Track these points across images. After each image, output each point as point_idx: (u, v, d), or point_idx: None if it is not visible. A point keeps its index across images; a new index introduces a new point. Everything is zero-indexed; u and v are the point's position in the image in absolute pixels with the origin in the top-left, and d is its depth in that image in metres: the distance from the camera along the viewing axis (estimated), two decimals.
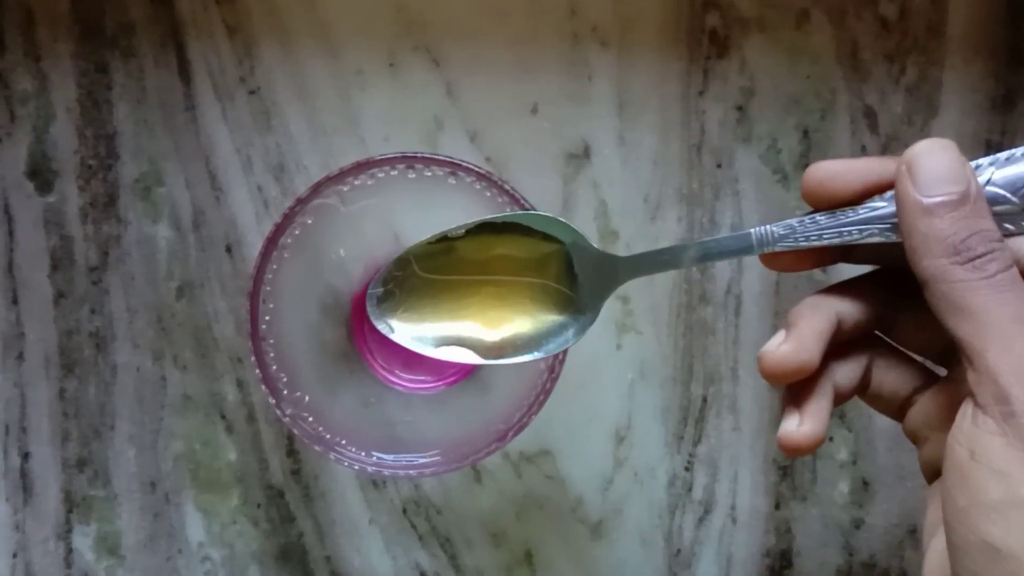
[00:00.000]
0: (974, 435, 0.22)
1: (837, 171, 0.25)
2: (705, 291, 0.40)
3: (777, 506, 0.41)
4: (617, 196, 0.40)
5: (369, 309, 0.30)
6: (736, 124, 0.40)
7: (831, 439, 0.41)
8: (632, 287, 0.40)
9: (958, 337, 0.22)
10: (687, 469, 0.41)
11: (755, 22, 0.40)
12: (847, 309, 0.26)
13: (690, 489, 0.41)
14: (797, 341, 0.25)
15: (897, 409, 0.27)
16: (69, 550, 0.40)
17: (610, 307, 0.40)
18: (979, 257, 0.22)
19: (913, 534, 0.41)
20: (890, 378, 0.27)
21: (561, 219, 0.28)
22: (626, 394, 0.41)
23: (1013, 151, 0.24)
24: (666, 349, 0.40)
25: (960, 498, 0.22)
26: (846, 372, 0.27)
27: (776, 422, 0.40)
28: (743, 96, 0.40)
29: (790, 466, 0.41)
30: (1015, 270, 0.23)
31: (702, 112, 0.40)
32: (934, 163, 0.23)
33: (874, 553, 0.41)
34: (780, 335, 0.25)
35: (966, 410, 0.22)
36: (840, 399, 0.27)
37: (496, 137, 0.40)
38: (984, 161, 0.24)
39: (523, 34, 0.40)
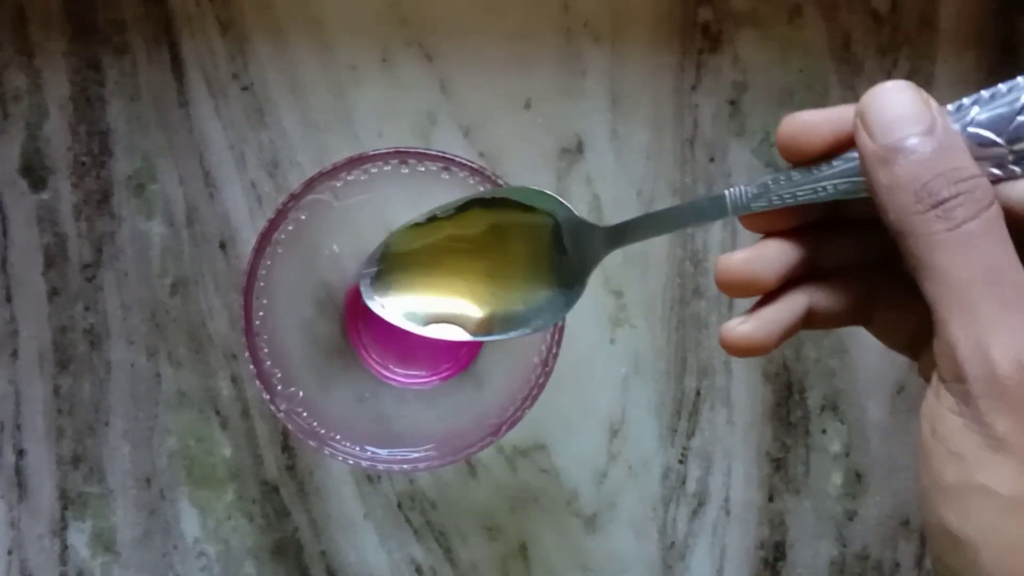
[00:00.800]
0: (936, 411, 0.20)
1: (810, 122, 0.23)
2: (698, 285, 0.41)
3: (770, 498, 0.41)
4: (610, 190, 0.40)
5: (361, 287, 0.30)
6: (729, 118, 0.40)
7: (824, 431, 0.41)
8: (625, 281, 0.40)
9: (928, 300, 0.20)
10: (681, 462, 0.41)
11: (748, 16, 0.40)
12: (833, 256, 0.24)
13: (684, 482, 0.41)
14: (762, 325, 0.24)
15: (907, 346, 0.25)
16: (64, 547, 0.40)
17: (603, 301, 0.40)
18: (943, 203, 0.20)
19: (906, 525, 0.41)
20: (896, 309, 0.24)
21: (548, 191, 0.28)
22: (620, 388, 0.41)
23: (997, 87, 0.21)
24: (659, 343, 0.41)
25: (923, 477, 0.21)
26: (829, 297, 0.24)
27: (769, 416, 0.41)
28: (736, 90, 0.40)
29: (783, 459, 0.41)
30: (992, 215, 0.20)
31: (695, 106, 0.40)
32: (888, 105, 0.21)
33: (867, 545, 0.41)
34: (742, 318, 0.24)
35: (933, 381, 0.21)
36: (821, 324, 0.25)
37: (489, 132, 0.40)
38: (966, 100, 0.22)
39: (516, 29, 0.40)
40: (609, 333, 0.41)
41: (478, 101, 0.40)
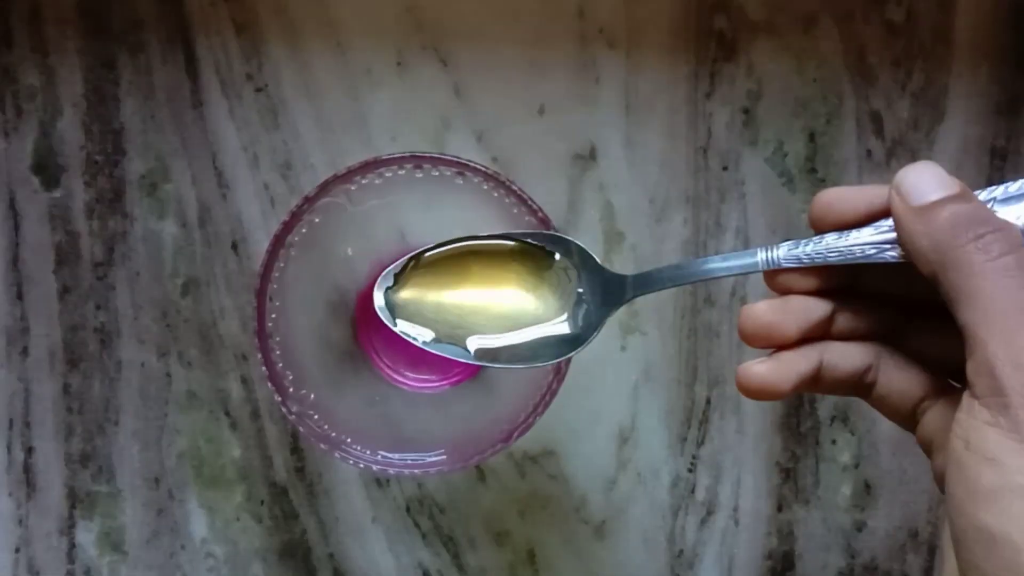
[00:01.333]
0: (969, 425, 0.21)
1: (845, 196, 0.25)
2: (710, 293, 0.41)
3: (779, 508, 0.41)
4: (623, 198, 0.40)
5: (376, 297, 0.30)
6: (743, 127, 0.40)
7: (834, 442, 0.41)
8: None
9: (962, 325, 0.22)
10: (690, 471, 0.41)
11: (763, 25, 0.40)
12: (847, 323, 0.26)
13: (693, 491, 0.41)
14: (778, 368, 0.25)
15: (907, 416, 0.26)
16: (72, 545, 0.40)
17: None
18: (982, 237, 0.22)
19: (915, 537, 0.41)
20: (899, 380, 0.26)
21: (574, 239, 0.29)
22: (630, 395, 0.41)
23: (1008, 185, 0.24)
24: (670, 351, 0.41)
25: (957, 489, 0.21)
26: (843, 355, 0.26)
27: (779, 426, 0.41)
28: (750, 99, 0.40)
29: (793, 469, 0.41)
30: (1023, 254, 0.22)
31: (709, 115, 0.40)
32: (920, 175, 0.23)
33: (876, 556, 0.41)
34: (761, 360, 0.25)
35: (963, 402, 0.22)
36: (829, 384, 0.26)
37: (503, 138, 0.40)
38: (981, 195, 0.24)
39: (531, 35, 0.40)
40: (620, 340, 0.41)
41: (492, 106, 0.40)
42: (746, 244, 0.41)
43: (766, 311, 0.25)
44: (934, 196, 0.23)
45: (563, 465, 0.41)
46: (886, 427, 0.41)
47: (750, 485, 0.41)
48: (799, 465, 0.41)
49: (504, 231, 0.30)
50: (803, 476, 0.41)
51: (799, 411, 0.41)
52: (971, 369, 0.22)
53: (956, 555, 0.22)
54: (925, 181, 0.23)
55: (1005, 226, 0.22)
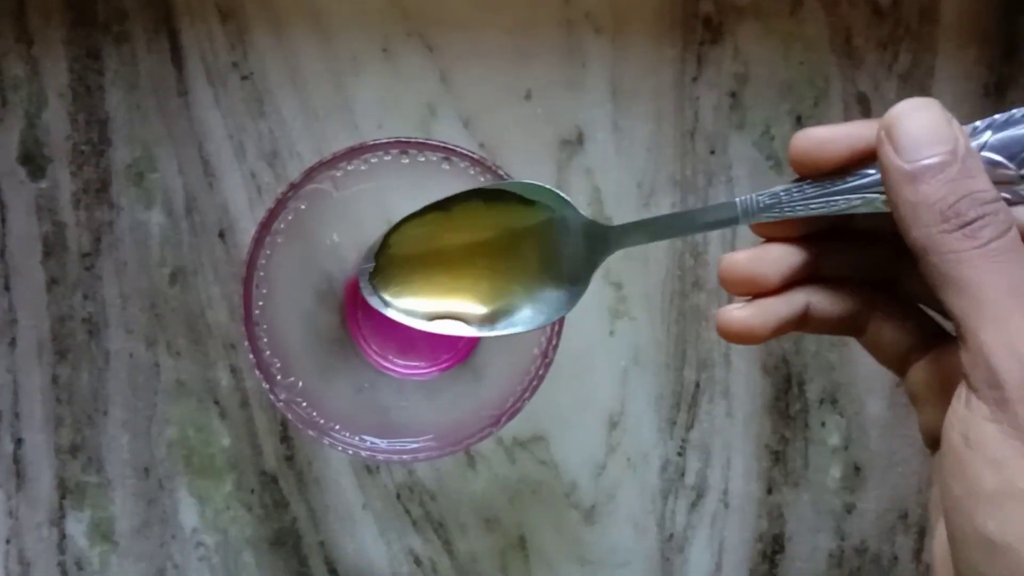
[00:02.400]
0: (968, 420, 0.20)
1: (824, 138, 0.24)
2: (698, 277, 0.40)
3: (769, 491, 0.41)
4: (611, 182, 0.40)
5: (361, 284, 0.30)
6: (729, 110, 0.40)
7: (823, 424, 0.41)
8: (625, 273, 0.40)
9: (952, 313, 0.21)
10: (680, 454, 0.41)
11: (749, 9, 0.40)
12: (836, 266, 0.25)
13: (683, 474, 0.41)
14: (758, 314, 0.24)
15: (896, 362, 0.26)
16: (62, 536, 0.40)
17: (603, 293, 0.40)
18: (970, 223, 0.21)
19: (904, 519, 0.41)
20: (888, 328, 0.25)
21: (551, 187, 0.28)
22: (619, 380, 0.41)
23: (1012, 112, 0.22)
24: (659, 335, 0.41)
25: (955, 486, 0.21)
26: (831, 301, 0.25)
27: (769, 409, 0.41)
28: (736, 82, 0.40)
29: (782, 451, 0.41)
30: (1013, 235, 0.21)
31: (696, 98, 0.40)
32: (916, 124, 0.21)
33: (865, 538, 0.41)
34: (740, 303, 0.25)
35: (960, 392, 0.21)
36: (817, 326, 0.25)
37: (490, 123, 0.40)
38: (980, 124, 0.22)
39: (517, 20, 0.40)
40: (609, 325, 0.41)
41: (478, 92, 0.40)
42: (733, 229, 0.41)
43: (745, 261, 0.25)
44: (926, 156, 0.21)
45: (553, 450, 0.41)
46: (875, 409, 0.41)
47: (740, 468, 0.41)
48: (788, 448, 0.41)
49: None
50: (792, 459, 0.41)
51: (788, 394, 0.41)
52: (966, 360, 0.21)
53: (953, 555, 0.21)
54: (919, 131, 0.21)
55: (996, 206, 0.21)
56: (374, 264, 0.30)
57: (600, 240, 0.27)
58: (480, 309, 0.29)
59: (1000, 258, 0.20)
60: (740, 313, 0.25)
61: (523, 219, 0.28)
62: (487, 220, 0.28)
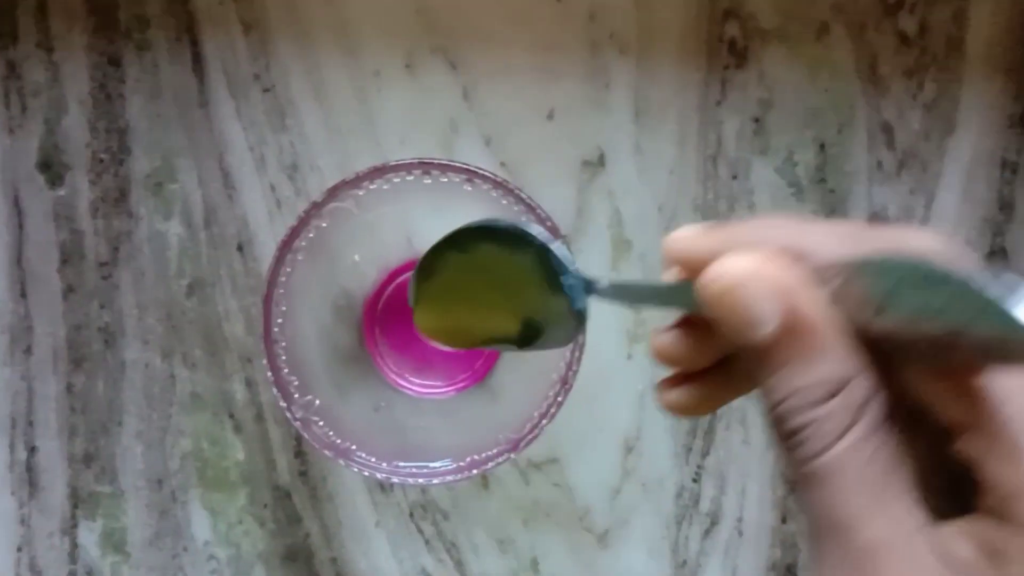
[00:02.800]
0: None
1: (688, 247, 0.20)
2: None
3: (784, 520, 0.41)
4: (632, 205, 0.40)
5: (416, 320, 0.29)
6: (753, 136, 0.40)
7: None
8: None
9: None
10: (695, 481, 0.41)
11: (775, 33, 0.40)
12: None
13: (697, 501, 0.41)
14: (693, 395, 0.22)
15: None
16: (74, 545, 0.40)
17: (621, 316, 0.40)
18: (794, 435, 0.17)
19: None
20: None
21: (532, 230, 0.26)
22: (636, 405, 0.40)
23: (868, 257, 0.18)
24: None
25: None
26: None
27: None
28: (760, 108, 0.40)
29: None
30: (841, 447, 0.17)
31: (719, 123, 0.40)
32: (730, 304, 0.18)
33: None
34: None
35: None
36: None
37: (512, 142, 0.40)
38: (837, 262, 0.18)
39: (541, 40, 0.40)
40: (627, 349, 0.40)
41: (501, 110, 0.40)
42: None
43: (671, 342, 0.22)
44: (752, 335, 0.18)
45: (568, 473, 0.40)
46: None
47: (755, 496, 0.41)
48: None
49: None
50: None
51: None
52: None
53: None
54: (734, 311, 0.18)
55: (827, 410, 0.17)
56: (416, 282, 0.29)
57: (577, 284, 0.26)
58: (511, 332, 0.28)
59: (859, 447, 0.17)
60: (673, 396, 0.22)
61: (523, 251, 0.27)
62: (493, 251, 0.27)
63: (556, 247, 0.26)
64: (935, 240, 0.18)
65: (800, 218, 0.19)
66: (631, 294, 0.25)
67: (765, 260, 0.18)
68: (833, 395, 0.17)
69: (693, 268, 0.20)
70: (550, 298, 0.27)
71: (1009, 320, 0.15)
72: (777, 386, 0.18)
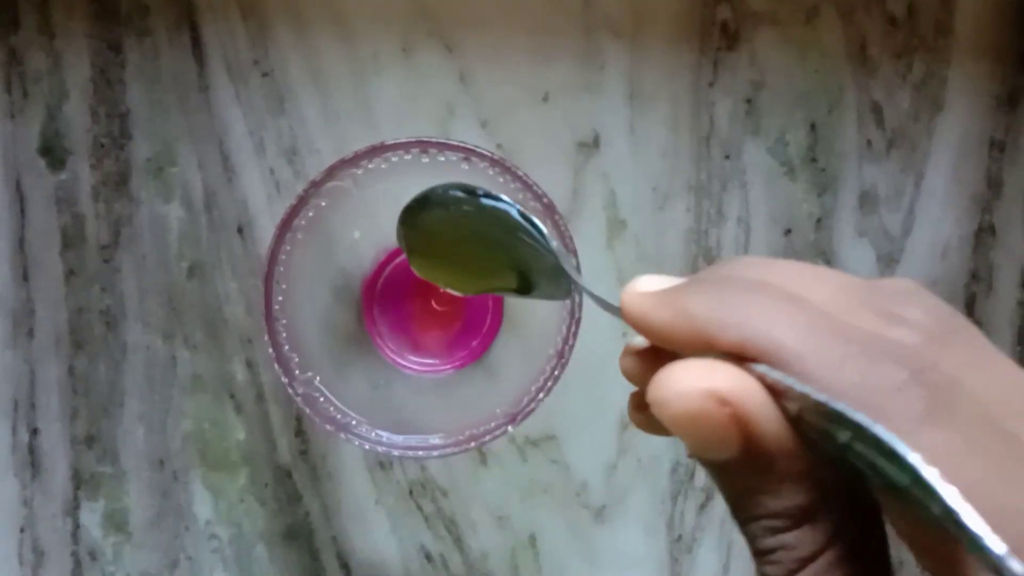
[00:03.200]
0: None
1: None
2: None
3: None
4: (626, 186, 0.41)
5: (413, 267, 0.30)
6: (745, 117, 0.41)
7: None
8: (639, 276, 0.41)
9: None
10: (690, 456, 0.41)
11: (766, 16, 0.40)
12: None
13: (692, 476, 0.41)
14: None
15: None
16: (76, 526, 0.41)
17: (617, 294, 0.40)
18: (766, 553, 0.17)
19: None
20: None
21: (510, 206, 0.26)
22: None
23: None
24: None
25: None
26: None
27: None
28: (752, 89, 0.41)
29: None
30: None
31: (712, 104, 0.41)
32: (682, 429, 0.17)
33: None
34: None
35: None
36: None
37: (507, 125, 0.41)
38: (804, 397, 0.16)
39: (536, 23, 0.40)
40: (622, 327, 0.41)
41: (497, 93, 0.40)
42: (747, 233, 0.41)
43: (632, 367, 0.21)
44: (711, 455, 0.17)
45: (564, 450, 0.41)
46: None
47: None
48: None
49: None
50: None
51: None
52: None
53: None
54: (698, 428, 0.16)
55: (805, 513, 0.16)
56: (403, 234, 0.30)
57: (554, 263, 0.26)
58: (511, 285, 0.29)
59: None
60: (640, 418, 0.22)
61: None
62: (484, 216, 0.27)
63: (521, 210, 0.26)
64: None
65: (776, 268, 0.18)
66: (598, 301, 0.24)
67: (717, 379, 0.16)
68: (799, 525, 0.16)
69: (651, 336, 0.19)
70: (537, 255, 0.28)
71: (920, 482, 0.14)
72: (744, 507, 0.17)
